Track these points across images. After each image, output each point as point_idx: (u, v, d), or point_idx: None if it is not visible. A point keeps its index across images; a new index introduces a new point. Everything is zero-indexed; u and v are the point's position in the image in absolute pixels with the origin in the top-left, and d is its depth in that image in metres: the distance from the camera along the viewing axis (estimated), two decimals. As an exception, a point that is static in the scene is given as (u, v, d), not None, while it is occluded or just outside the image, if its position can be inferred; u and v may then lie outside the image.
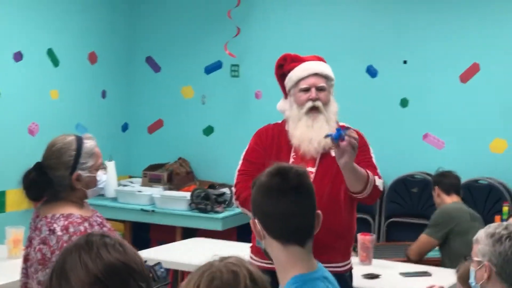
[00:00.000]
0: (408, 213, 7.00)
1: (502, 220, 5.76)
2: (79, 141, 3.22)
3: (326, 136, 3.61)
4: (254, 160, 3.96)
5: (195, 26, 7.85)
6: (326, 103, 3.90)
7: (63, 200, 3.16)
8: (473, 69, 6.91)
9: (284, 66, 4.04)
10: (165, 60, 8.01)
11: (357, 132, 3.89)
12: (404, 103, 7.15)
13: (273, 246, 2.45)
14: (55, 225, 3.05)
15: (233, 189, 4.04)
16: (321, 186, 3.73)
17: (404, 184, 7.02)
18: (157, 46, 8.03)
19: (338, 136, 3.52)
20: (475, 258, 3.07)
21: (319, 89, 3.90)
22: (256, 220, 2.47)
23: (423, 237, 5.51)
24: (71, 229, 3.04)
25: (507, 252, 2.99)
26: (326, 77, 3.94)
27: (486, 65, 6.86)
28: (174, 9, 7.94)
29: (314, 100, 3.88)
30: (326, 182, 3.82)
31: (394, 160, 7.03)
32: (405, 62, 7.13)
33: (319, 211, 2.50)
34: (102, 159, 3.32)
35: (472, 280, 3.09)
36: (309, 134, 3.85)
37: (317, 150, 3.85)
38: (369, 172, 3.78)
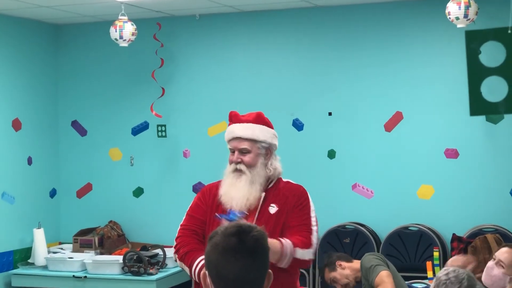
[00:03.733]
0: (342, 264, 7.02)
1: (433, 265, 5.83)
2: None
3: (215, 216, 3.74)
4: (197, 216, 3.99)
5: (120, 88, 7.84)
6: (250, 165, 3.93)
7: None
8: (397, 118, 7.04)
9: (228, 123, 4.13)
10: (91, 123, 7.96)
11: (299, 188, 3.98)
12: (331, 154, 7.23)
13: None
14: None
15: (174, 242, 4.03)
16: None
17: (336, 235, 7.06)
18: (82, 109, 7.98)
19: (230, 219, 3.63)
20: None
21: (243, 151, 3.95)
22: (207, 273, 2.44)
23: (384, 273, 5.20)
24: None
25: None
26: (252, 140, 3.96)
27: (408, 113, 7.00)
28: (98, 72, 7.92)
29: (236, 163, 3.95)
30: None
31: (325, 212, 7.06)
32: (330, 114, 7.23)
33: (270, 271, 2.49)
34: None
35: None
36: (231, 193, 3.92)
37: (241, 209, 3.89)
38: (286, 242, 3.79)
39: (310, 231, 3.92)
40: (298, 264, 3.89)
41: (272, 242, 3.69)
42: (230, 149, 4.01)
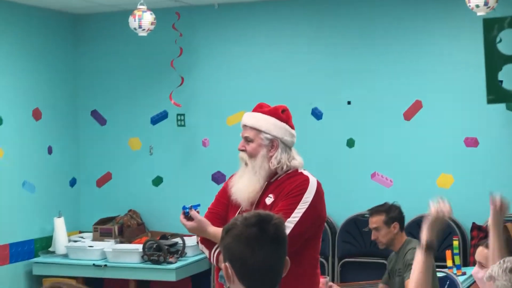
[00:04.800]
0: (361, 253, 7.03)
1: (453, 254, 5.81)
2: None
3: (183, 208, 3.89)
4: (222, 200, 4.00)
5: (139, 77, 7.86)
6: (251, 155, 3.90)
7: None
8: (416, 106, 7.02)
9: None
10: (111, 112, 7.99)
11: (301, 178, 3.87)
12: (350, 143, 7.22)
13: None
14: None
15: None
16: None
17: (355, 224, 7.06)
18: (101, 99, 8.00)
19: (186, 211, 3.88)
20: None
21: (247, 140, 3.93)
22: (228, 265, 2.45)
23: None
24: None
25: None
26: (256, 130, 3.92)
27: (428, 101, 6.98)
28: (117, 61, 7.93)
29: (240, 150, 3.95)
30: None
31: (344, 201, 7.08)
32: (349, 103, 7.22)
33: (287, 257, 2.50)
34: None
35: None
36: (237, 184, 3.92)
37: (243, 200, 3.88)
38: None
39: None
40: None
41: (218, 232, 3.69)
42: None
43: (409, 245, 5.33)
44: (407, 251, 5.29)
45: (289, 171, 3.92)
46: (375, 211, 5.48)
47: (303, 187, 3.83)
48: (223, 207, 3.98)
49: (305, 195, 3.81)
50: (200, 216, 3.87)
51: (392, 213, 5.44)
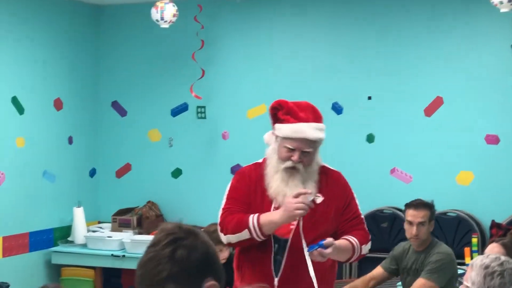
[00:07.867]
0: (379, 249, 6.99)
1: (471, 252, 5.79)
2: None
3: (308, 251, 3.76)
4: (239, 198, 3.90)
5: (160, 69, 7.87)
6: (308, 165, 3.86)
7: None
8: (437, 103, 6.99)
9: (278, 111, 3.90)
10: (131, 104, 8.01)
11: (339, 177, 4.02)
12: (370, 138, 7.20)
13: None
14: None
15: (218, 227, 3.92)
16: (305, 236, 3.79)
17: (374, 219, 7.04)
18: (122, 90, 8.03)
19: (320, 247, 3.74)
20: (465, 283, 3.09)
21: (305, 152, 3.84)
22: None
23: (426, 283, 5.01)
24: None
25: None
26: (316, 141, 3.86)
27: (449, 98, 6.95)
28: (139, 53, 7.95)
29: (296, 162, 3.84)
30: (308, 231, 3.83)
31: (362, 196, 6.97)
32: (369, 98, 7.19)
33: None
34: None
35: None
36: (284, 189, 3.83)
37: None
38: (355, 242, 3.90)
39: (363, 222, 4.04)
40: (361, 257, 4.04)
41: (343, 243, 3.84)
42: (287, 147, 3.84)
43: (437, 248, 5.21)
44: (434, 253, 5.16)
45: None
46: (422, 204, 5.21)
47: (348, 185, 4.06)
48: (243, 206, 3.89)
49: (352, 190, 4.09)
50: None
51: (433, 210, 5.26)
